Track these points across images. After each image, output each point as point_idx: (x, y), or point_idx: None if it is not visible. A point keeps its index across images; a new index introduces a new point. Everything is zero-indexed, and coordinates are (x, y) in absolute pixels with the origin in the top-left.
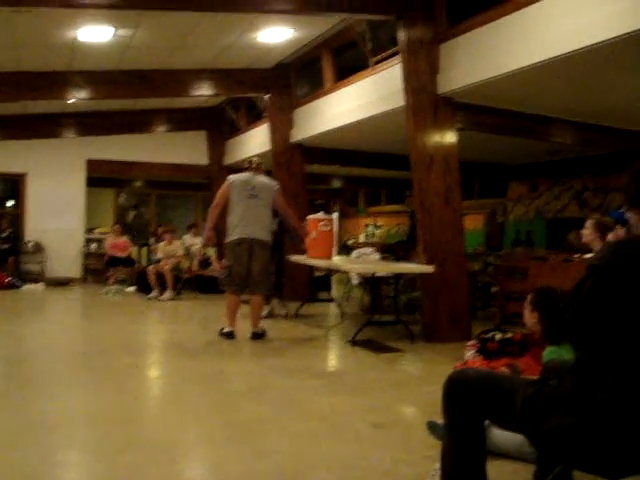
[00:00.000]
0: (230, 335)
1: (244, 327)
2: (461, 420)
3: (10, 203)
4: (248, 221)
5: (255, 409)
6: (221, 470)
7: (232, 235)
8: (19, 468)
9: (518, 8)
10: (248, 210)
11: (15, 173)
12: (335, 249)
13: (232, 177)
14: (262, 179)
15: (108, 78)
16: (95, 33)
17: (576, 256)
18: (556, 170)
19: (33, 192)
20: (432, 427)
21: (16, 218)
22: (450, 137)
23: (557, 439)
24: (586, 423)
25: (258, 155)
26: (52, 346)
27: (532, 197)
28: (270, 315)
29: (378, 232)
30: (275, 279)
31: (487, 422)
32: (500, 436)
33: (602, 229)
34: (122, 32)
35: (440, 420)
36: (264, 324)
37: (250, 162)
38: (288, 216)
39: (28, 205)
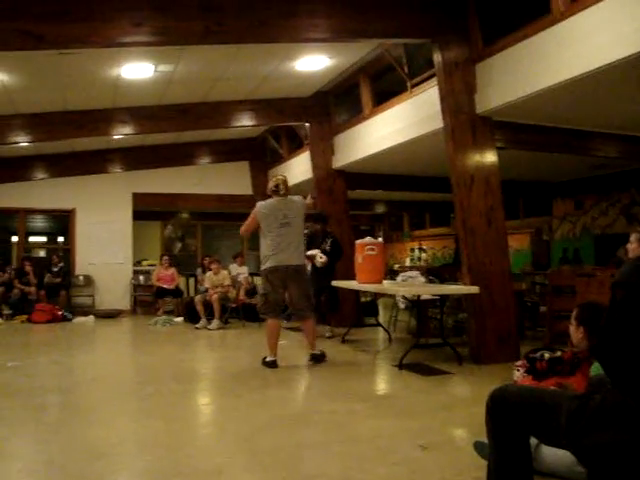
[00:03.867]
0: (273, 364)
1: (292, 353)
2: (505, 437)
3: (60, 238)
4: (281, 249)
5: (302, 433)
6: None
7: (266, 263)
8: None
9: (553, 23)
10: (280, 238)
11: (64, 209)
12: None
13: (261, 205)
14: (293, 201)
15: (151, 113)
16: (137, 70)
17: None
18: (602, 185)
19: (82, 227)
20: (479, 447)
21: (66, 253)
22: (490, 156)
23: (604, 455)
24: (633, 439)
25: (300, 182)
26: (103, 375)
27: (578, 214)
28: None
29: (424, 255)
30: (330, 301)
31: (536, 442)
32: (550, 456)
33: None
34: (163, 68)
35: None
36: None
37: (277, 187)
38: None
39: (77, 240)
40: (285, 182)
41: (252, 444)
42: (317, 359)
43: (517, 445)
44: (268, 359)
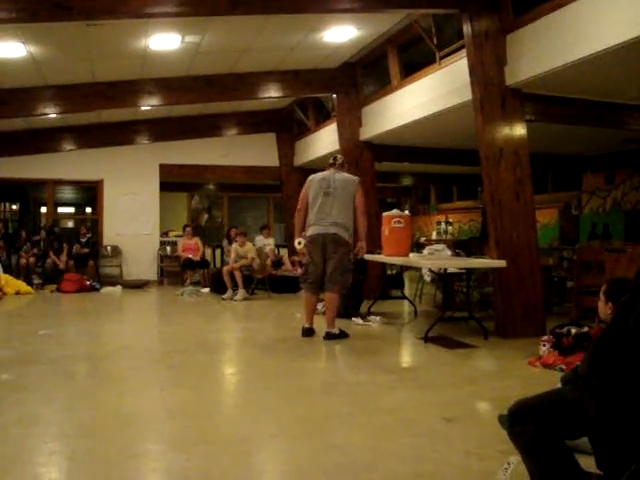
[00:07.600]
0: (306, 332)
1: (317, 325)
2: (537, 445)
3: (88, 209)
4: (322, 217)
5: (328, 404)
6: (293, 462)
7: (307, 232)
8: (100, 459)
9: None
10: (323, 206)
11: (92, 180)
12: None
13: (311, 176)
14: (343, 176)
15: (178, 84)
16: (165, 41)
17: None
18: (634, 160)
19: (109, 198)
20: (504, 421)
21: (94, 223)
22: (520, 129)
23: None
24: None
25: (327, 154)
26: (131, 344)
27: (609, 188)
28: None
29: (450, 229)
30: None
31: None
32: None
33: None
34: (190, 39)
35: None
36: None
37: (335, 159)
38: (359, 211)
39: (105, 210)
40: (342, 157)
41: (278, 413)
42: (332, 337)
43: (553, 451)
44: (303, 326)
